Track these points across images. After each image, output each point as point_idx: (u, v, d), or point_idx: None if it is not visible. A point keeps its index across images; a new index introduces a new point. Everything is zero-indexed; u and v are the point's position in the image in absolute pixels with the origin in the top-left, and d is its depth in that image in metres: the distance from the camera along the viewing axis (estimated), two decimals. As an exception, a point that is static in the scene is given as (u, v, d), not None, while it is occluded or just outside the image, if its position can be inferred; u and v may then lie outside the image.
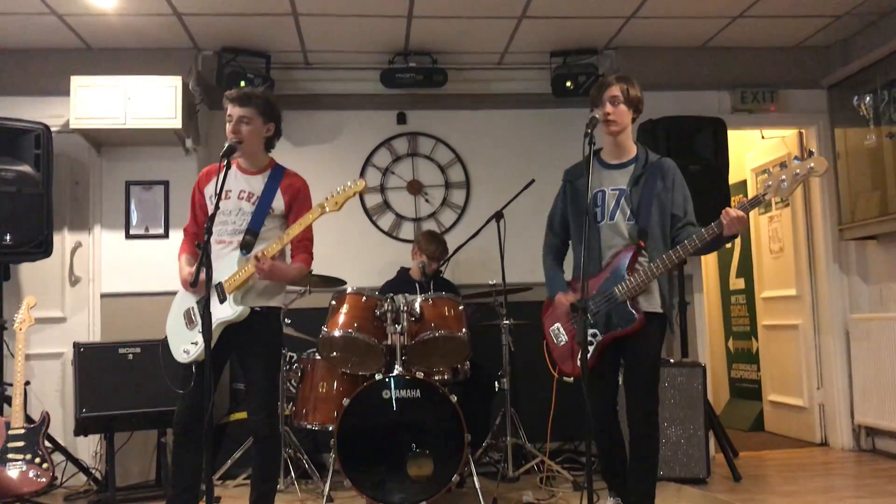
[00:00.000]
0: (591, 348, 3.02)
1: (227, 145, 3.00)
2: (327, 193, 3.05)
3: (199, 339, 2.99)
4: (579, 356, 2.91)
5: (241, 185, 3.12)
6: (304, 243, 3.12)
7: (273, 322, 3.16)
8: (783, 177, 2.81)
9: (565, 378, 3.16)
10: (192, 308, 3.11)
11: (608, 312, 3.00)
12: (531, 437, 4.49)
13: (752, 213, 6.12)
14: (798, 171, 2.79)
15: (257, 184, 3.13)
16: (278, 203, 3.11)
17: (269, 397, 3.11)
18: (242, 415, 4.45)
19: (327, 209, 3.01)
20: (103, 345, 4.44)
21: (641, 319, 2.96)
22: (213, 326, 2.94)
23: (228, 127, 3.07)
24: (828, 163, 2.84)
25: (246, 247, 3.05)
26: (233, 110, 3.07)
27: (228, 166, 2.99)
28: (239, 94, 3.09)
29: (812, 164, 2.78)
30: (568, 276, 3.25)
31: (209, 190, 3.16)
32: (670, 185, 3.07)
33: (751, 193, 6.20)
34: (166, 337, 3.18)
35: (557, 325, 3.18)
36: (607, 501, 3.23)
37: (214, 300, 2.99)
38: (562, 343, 3.14)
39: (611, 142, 3.10)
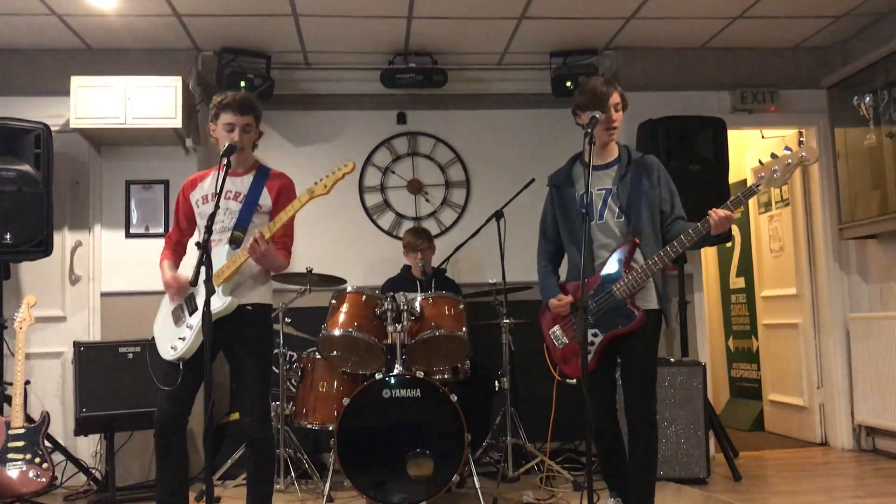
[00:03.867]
0: (592, 349, 3.02)
1: (227, 145, 3.01)
2: (316, 179, 3.05)
3: (187, 334, 3.01)
4: (588, 360, 2.92)
5: (228, 186, 3.11)
6: (284, 240, 3.12)
7: (263, 320, 3.15)
8: (775, 167, 2.82)
9: (568, 380, 3.16)
10: (181, 305, 3.12)
11: (608, 311, 3.01)
12: (531, 436, 4.49)
13: (752, 213, 6.21)
14: (790, 160, 2.80)
15: (244, 183, 3.14)
16: (265, 200, 3.12)
17: (260, 398, 3.08)
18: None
19: (317, 193, 3.02)
20: (103, 344, 4.44)
21: (642, 316, 2.97)
22: (201, 320, 2.93)
23: (231, 136, 3.06)
24: (818, 151, 2.85)
25: (235, 241, 3.05)
26: (234, 119, 3.06)
27: (229, 165, 2.99)
28: (237, 102, 3.08)
29: (803, 153, 2.79)
30: (563, 278, 3.26)
31: (196, 195, 3.18)
32: (656, 181, 3.08)
33: (751, 193, 6.20)
34: (153, 337, 3.17)
35: (557, 326, 3.18)
36: (608, 501, 3.23)
37: (202, 294, 2.98)
38: (562, 345, 3.15)
39: (598, 144, 3.10)
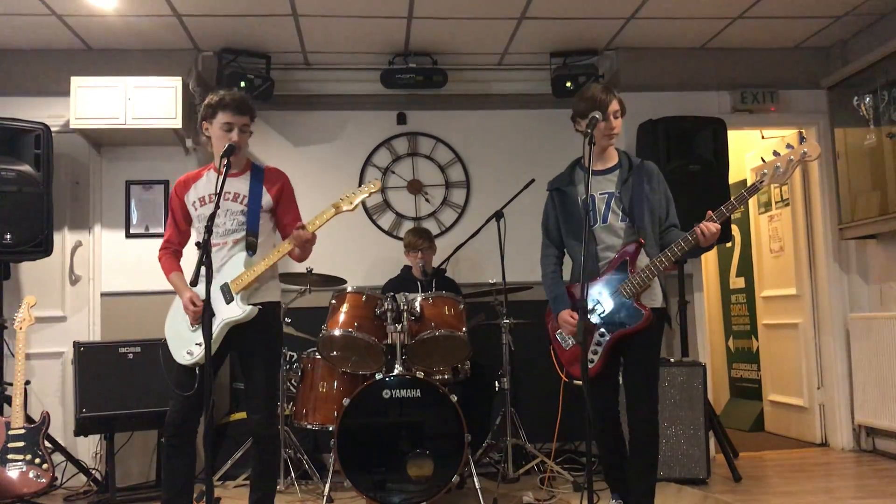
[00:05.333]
0: (599, 349, 3.03)
1: (227, 146, 3.01)
2: (339, 193, 3.09)
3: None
4: (596, 361, 3.00)
5: (226, 188, 3.10)
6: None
7: (273, 318, 3.16)
8: (778, 164, 2.86)
9: (575, 381, 3.17)
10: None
11: (614, 311, 3.02)
12: (531, 437, 4.49)
13: (752, 213, 6.21)
14: (792, 156, 2.85)
15: (241, 185, 3.15)
16: (266, 200, 3.14)
17: (269, 396, 3.12)
18: (242, 415, 4.44)
19: (342, 208, 3.07)
20: (103, 344, 4.43)
21: (648, 315, 2.98)
22: (220, 327, 2.97)
23: (229, 135, 3.05)
24: (820, 147, 2.89)
25: (251, 247, 3.07)
26: (233, 119, 3.07)
27: (229, 166, 2.99)
28: (235, 101, 3.08)
29: (805, 149, 2.84)
30: (566, 278, 3.27)
31: (190, 197, 3.18)
32: (656, 187, 3.14)
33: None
34: (165, 339, 3.17)
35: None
36: (609, 502, 3.24)
37: (220, 300, 3.00)
38: (569, 346, 3.16)
39: (597, 150, 3.12)
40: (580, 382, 3.09)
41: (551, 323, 3.23)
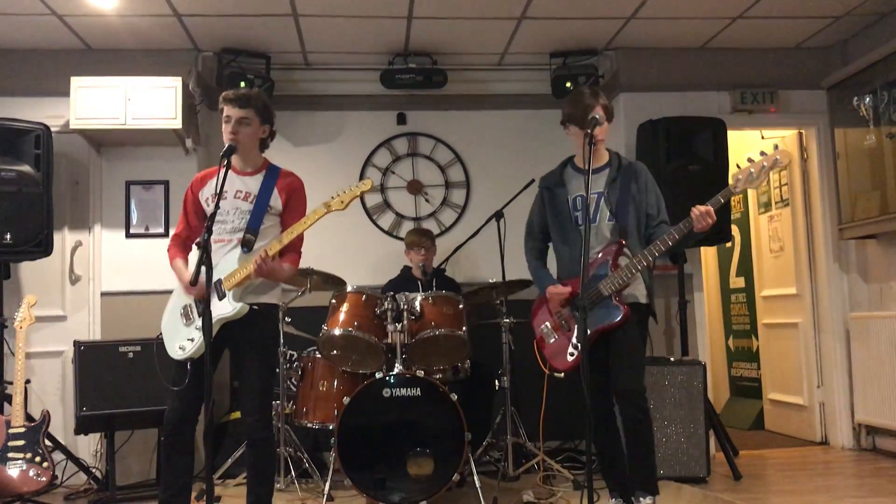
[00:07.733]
0: (578, 342, 3.07)
1: (227, 146, 3.00)
2: (333, 193, 3.07)
3: (196, 335, 3.00)
4: (576, 354, 3.05)
5: (238, 186, 3.12)
6: (294, 243, 3.11)
7: (270, 320, 3.15)
8: (751, 170, 2.97)
9: (556, 374, 3.24)
10: (189, 305, 3.10)
11: (594, 308, 3.08)
12: (531, 435, 4.49)
13: (752, 213, 6.21)
14: (765, 163, 2.95)
15: (253, 183, 3.14)
16: (276, 201, 3.12)
17: (263, 398, 3.09)
18: (243, 414, 4.44)
19: (333, 208, 3.04)
20: (103, 343, 4.44)
21: (626, 311, 3.07)
22: (202, 321, 2.94)
23: (227, 128, 3.07)
24: (791, 154, 3.00)
25: (247, 244, 3.06)
26: (231, 111, 3.07)
27: (228, 166, 2.99)
28: (237, 95, 3.09)
29: (777, 157, 2.95)
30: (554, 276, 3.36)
31: (205, 193, 3.17)
32: (643, 186, 3.21)
33: (749, 193, 6.22)
34: (161, 334, 3.17)
35: (546, 323, 3.29)
36: (609, 502, 3.24)
37: (213, 297, 2.99)
38: (551, 340, 3.24)
39: (586, 152, 3.16)
40: (560, 375, 3.19)
41: (536, 318, 3.33)
